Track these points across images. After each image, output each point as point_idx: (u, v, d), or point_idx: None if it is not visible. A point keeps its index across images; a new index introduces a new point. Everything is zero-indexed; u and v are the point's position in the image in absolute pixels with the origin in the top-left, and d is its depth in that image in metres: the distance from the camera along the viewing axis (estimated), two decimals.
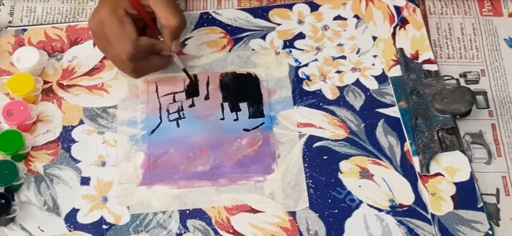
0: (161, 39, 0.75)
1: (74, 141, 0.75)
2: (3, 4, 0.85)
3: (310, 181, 0.73)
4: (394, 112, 0.77)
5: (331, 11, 0.85)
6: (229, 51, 0.81)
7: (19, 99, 0.76)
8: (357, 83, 0.79)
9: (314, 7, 0.85)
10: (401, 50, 0.81)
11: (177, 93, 0.78)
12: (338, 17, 0.84)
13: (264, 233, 0.70)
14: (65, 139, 0.75)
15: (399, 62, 0.80)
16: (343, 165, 0.74)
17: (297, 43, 0.82)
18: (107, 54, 0.76)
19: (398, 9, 0.84)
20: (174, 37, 0.74)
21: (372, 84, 0.79)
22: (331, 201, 0.72)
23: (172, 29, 0.74)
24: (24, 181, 0.72)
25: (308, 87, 0.79)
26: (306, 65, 0.80)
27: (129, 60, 0.73)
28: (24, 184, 0.72)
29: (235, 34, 0.83)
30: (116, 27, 0.72)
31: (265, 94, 0.78)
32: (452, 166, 0.74)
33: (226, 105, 0.78)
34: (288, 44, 0.82)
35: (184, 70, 0.77)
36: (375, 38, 0.82)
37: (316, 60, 0.81)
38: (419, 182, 0.73)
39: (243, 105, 0.78)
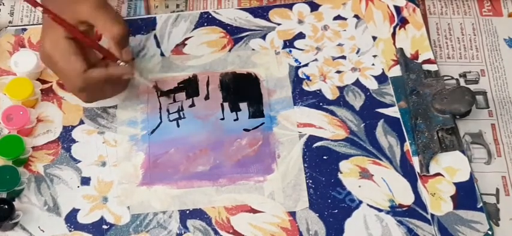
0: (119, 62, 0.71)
1: (74, 141, 0.75)
2: (3, 4, 0.85)
3: (310, 181, 0.73)
4: (394, 112, 0.77)
5: (331, 10, 0.85)
6: (229, 51, 0.81)
7: (18, 104, 0.75)
8: (357, 83, 0.79)
9: (314, 7, 0.85)
10: (401, 50, 0.81)
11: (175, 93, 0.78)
12: (338, 17, 0.84)
13: (264, 233, 0.70)
14: (65, 139, 0.75)
15: (399, 62, 0.80)
16: (343, 165, 0.74)
17: (297, 43, 0.82)
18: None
19: (398, 9, 0.84)
20: (121, 46, 0.70)
21: (372, 84, 0.79)
22: (331, 201, 0.72)
23: (116, 39, 0.69)
24: (26, 185, 0.72)
25: (308, 87, 0.79)
26: (306, 65, 0.81)
27: (81, 93, 0.70)
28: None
29: (235, 34, 0.83)
30: (60, 63, 0.68)
31: (265, 94, 0.78)
32: (452, 166, 0.74)
33: (226, 105, 0.78)
34: (288, 44, 0.82)
35: (155, 87, 0.76)
36: (374, 38, 0.82)
37: (316, 60, 0.81)
38: (419, 182, 0.73)
39: (243, 105, 0.78)
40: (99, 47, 0.71)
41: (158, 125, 0.76)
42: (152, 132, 0.76)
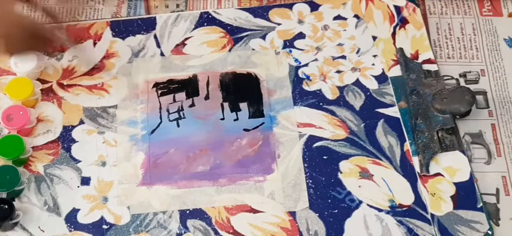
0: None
1: (74, 141, 0.75)
2: None
3: (310, 181, 0.73)
4: (394, 112, 0.77)
5: (331, 10, 0.85)
6: (229, 50, 0.81)
7: (18, 103, 0.75)
8: (357, 83, 0.79)
9: (314, 7, 0.85)
10: (401, 50, 0.81)
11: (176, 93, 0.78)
12: (338, 17, 0.84)
13: (264, 233, 0.70)
14: (65, 139, 0.75)
15: (399, 62, 0.80)
16: (343, 165, 0.74)
17: (297, 43, 0.82)
18: None
19: (398, 9, 0.85)
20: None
21: (372, 84, 0.79)
22: (331, 201, 0.72)
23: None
24: (26, 185, 0.72)
25: (308, 87, 0.79)
26: (306, 65, 0.81)
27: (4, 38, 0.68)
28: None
29: (235, 34, 0.83)
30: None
31: (265, 94, 0.78)
32: (452, 166, 0.74)
33: (226, 105, 0.78)
34: (288, 44, 0.82)
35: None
36: (374, 38, 0.82)
37: (316, 60, 0.81)
38: (419, 182, 0.73)
39: (243, 105, 0.78)
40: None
41: (158, 125, 0.76)
42: (152, 132, 0.76)
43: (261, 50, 0.82)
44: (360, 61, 0.81)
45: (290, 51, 0.82)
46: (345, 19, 0.84)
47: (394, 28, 0.83)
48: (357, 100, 0.78)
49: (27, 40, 0.70)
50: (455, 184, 0.73)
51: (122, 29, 0.83)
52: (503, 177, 0.74)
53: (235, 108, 0.77)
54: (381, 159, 0.74)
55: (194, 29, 0.83)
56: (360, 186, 0.73)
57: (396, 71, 0.80)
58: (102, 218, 0.71)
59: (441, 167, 0.74)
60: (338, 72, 0.80)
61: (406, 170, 0.74)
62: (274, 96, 0.78)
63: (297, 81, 0.79)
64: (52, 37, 0.69)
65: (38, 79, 0.79)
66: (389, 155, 0.75)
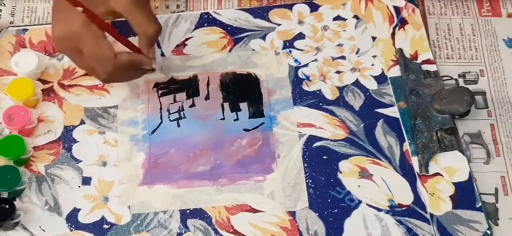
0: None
1: (75, 141, 0.76)
2: (4, 4, 0.86)
3: (310, 181, 0.73)
4: (393, 112, 0.78)
5: (331, 11, 0.85)
6: (230, 51, 0.82)
7: (19, 104, 0.76)
8: (357, 83, 0.80)
9: (314, 7, 0.85)
10: (400, 50, 0.81)
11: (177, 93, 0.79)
12: (338, 17, 0.84)
13: (264, 232, 0.70)
14: (66, 139, 0.76)
15: (398, 62, 0.81)
16: (343, 164, 0.74)
17: (296, 43, 0.82)
18: (76, 64, 0.72)
19: (397, 9, 0.85)
20: (150, 45, 0.71)
21: (371, 84, 0.80)
22: (330, 201, 0.72)
23: (149, 38, 0.70)
24: (27, 185, 0.72)
25: (308, 87, 0.79)
26: (306, 65, 0.81)
27: (107, 77, 0.71)
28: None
29: (235, 34, 0.83)
30: (92, 45, 0.67)
31: (265, 94, 0.79)
32: (451, 166, 0.74)
33: (226, 105, 0.78)
34: (288, 44, 0.82)
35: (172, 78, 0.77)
36: (374, 38, 0.83)
37: (315, 60, 0.81)
38: (418, 182, 0.73)
39: (243, 105, 0.78)
40: (127, 42, 0.71)
41: (159, 125, 0.76)
42: (153, 132, 0.76)
43: (261, 50, 0.82)
44: (359, 61, 0.81)
45: (290, 51, 0.82)
46: (345, 20, 0.84)
47: (394, 28, 0.83)
48: (356, 101, 0.78)
49: (126, 73, 0.72)
50: (455, 184, 0.73)
51: (123, 29, 0.83)
52: (502, 177, 0.74)
53: (235, 108, 0.78)
54: (380, 159, 0.75)
55: (194, 29, 0.83)
56: (359, 186, 0.73)
57: (395, 71, 0.80)
58: (102, 218, 0.71)
59: (440, 167, 0.74)
60: (338, 72, 0.80)
61: (405, 170, 0.74)
62: (274, 96, 0.79)
63: (296, 82, 0.80)
64: (144, 63, 0.72)
65: (39, 80, 0.79)
66: (388, 155, 0.75)
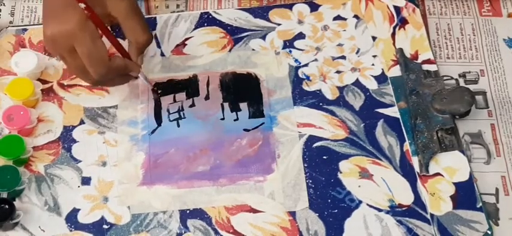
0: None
1: (74, 141, 0.75)
2: (3, 4, 0.86)
3: (310, 181, 0.73)
4: (393, 112, 0.78)
5: (331, 11, 0.85)
6: (230, 51, 0.82)
7: (18, 104, 0.75)
8: (357, 83, 0.79)
9: (314, 7, 0.85)
10: (400, 50, 0.81)
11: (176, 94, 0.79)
12: (338, 17, 0.84)
13: (264, 233, 0.70)
14: (66, 139, 0.76)
15: (399, 62, 0.81)
16: (343, 165, 0.74)
17: (296, 43, 0.82)
18: (65, 63, 0.70)
19: (397, 9, 0.85)
20: (140, 53, 0.72)
21: (372, 84, 0.79)
22: (330, 201, 0.72)
23: (139, 46, 0.71)
24: (27, 185, 0.72)
25: (308, 87, 0.79)
26: (306, 65, 0.81)
27: (98, 79, 0.70)
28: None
29: (235, 34, 0.83)
30: (89, 44, 0.67)
31: (265, 94, 0.78)
32: (451, 166, 0.74)
33: (226, 105, 0.78)
34: (288, 44, 0.82)
35: (153, 90, 0.77)
36: (374, 38, 0.83)
37: (316, 60, 0.81)
38: (419, 182, 0.73)
39: (243, 105, 0.78)
40: (119, 46, 0.72)
41: (158, 125, 0.76)
42: (152, 132, 0.76)
43: (261, 50, 0.82)
44: (359, 61, 0.81)
45: (290, 51, 0.82)
46: (345, 19, 0.84)
47: (394, 28, 0.83)
48: (356, 101, 0.78)
49: (116, 78, 0.73)
50: (455, 184, 0.73)
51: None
52: (503, 177, 0.74)
53: (235, 108, 0.78)
54: (380, 159, 0.74)
55: (194, 29, 0.83)
56: (359, 186, 0.73)
57: (396, 71, 0.80)
58: (102, 218, 0.71)
59: (441, 167, 0.74)
60: (338, 72, 0.80)
61: (405, 170, 0.74)
62: (274, 96, 0.78)
63: (296, 81, 0.79)
64: (134, 70, 0.73)
65: (39, 80, 0.79)
66: (389, 155, 0.75)
